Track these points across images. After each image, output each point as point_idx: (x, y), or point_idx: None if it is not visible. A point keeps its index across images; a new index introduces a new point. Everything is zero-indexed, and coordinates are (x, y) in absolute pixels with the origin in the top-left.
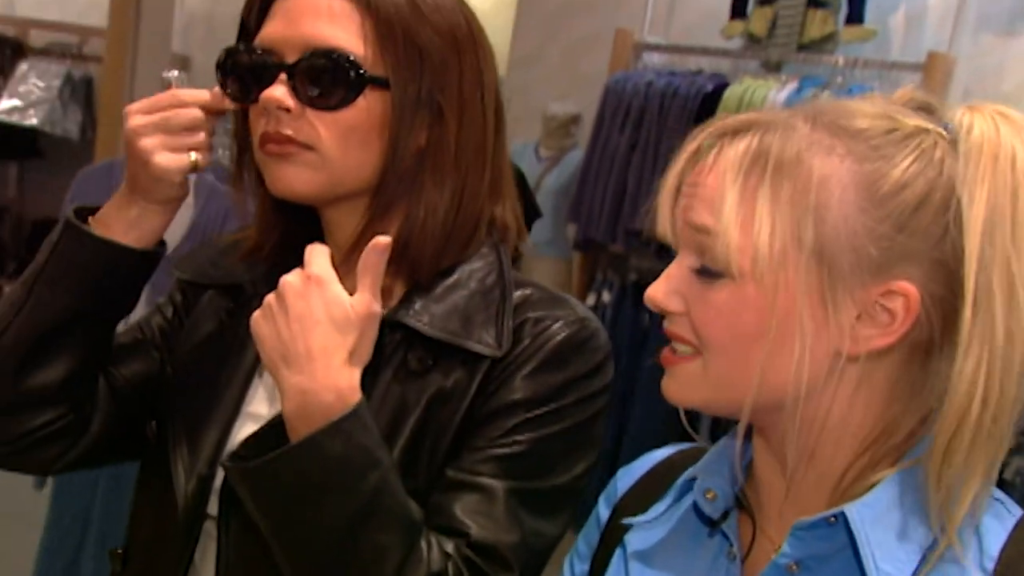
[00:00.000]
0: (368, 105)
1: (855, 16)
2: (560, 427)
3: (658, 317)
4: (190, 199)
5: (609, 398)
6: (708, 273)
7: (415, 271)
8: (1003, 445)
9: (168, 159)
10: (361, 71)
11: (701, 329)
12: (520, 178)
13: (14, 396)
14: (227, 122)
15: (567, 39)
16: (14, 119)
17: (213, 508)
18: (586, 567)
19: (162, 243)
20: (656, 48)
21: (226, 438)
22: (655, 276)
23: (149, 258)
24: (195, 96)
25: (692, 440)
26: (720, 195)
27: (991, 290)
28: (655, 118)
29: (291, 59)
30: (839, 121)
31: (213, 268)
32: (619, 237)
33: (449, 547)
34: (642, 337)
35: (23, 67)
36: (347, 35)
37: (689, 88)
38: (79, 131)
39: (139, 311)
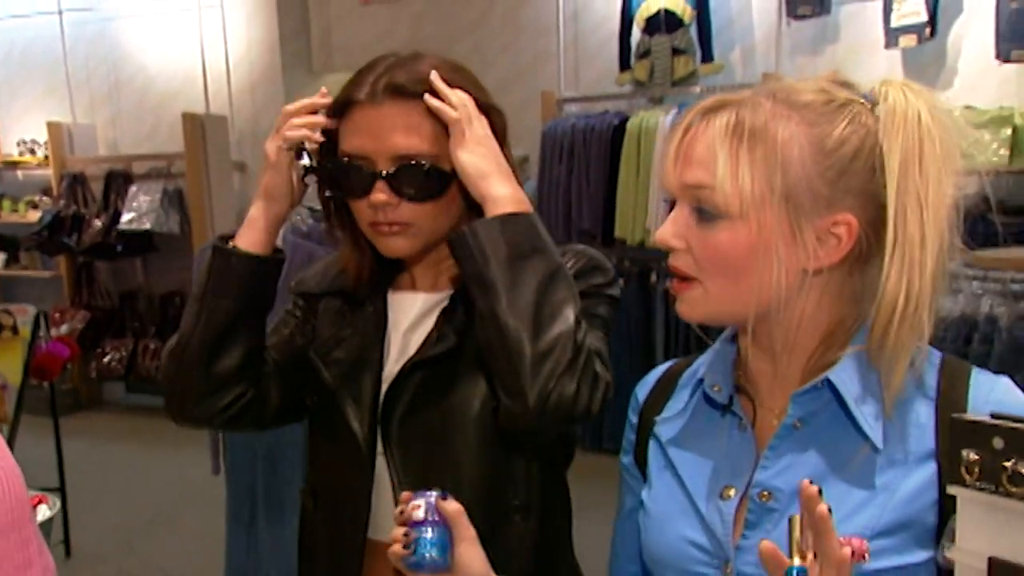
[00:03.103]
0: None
1: (707, 56)
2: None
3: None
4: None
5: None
6: (707, 217)
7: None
8: (925, 329)
9: (272, 145)
10: (445, 173)
11: (703, 261)
12: None
13: (207, 383)
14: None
15: (507, 104)
16: (133, 226)
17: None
18: (631, 457)
19: (280, 251)
20: (572, 100)
21: (379, 394)
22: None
23: (278, 262)
24: (299, 105)
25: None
26: (712, 157)
27: (906, 211)
28: (582, 149)
29: (383, 166)
30: (791, 97)
31: (321, 281)
32: (574, 237)
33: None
34: None
35: (133, 189)
36: (423, 141)
37: (602, 124)
38: (179, 228)
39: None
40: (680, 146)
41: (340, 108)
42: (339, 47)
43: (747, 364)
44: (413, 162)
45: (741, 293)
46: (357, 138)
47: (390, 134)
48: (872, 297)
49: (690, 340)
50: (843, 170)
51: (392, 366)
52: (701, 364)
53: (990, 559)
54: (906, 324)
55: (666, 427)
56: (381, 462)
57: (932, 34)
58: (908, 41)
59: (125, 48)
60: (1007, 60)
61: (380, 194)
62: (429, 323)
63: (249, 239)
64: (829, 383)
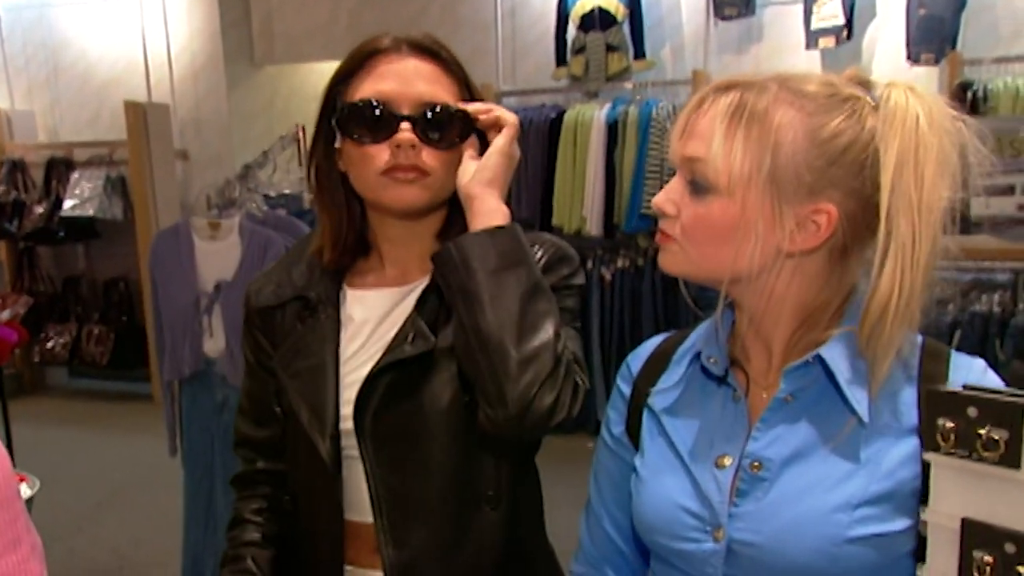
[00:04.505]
0: None
1: (639, 53)
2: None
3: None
4: (236, 239)
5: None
6: (699, 189)
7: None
8: (914, 321)
9: None
10: (469, 121)
11: (688, 229)
12: None
13: None
14: (255, 183)
15: None
16: (76, 213)
17: (346, 442)
18: (622, 427)
19: None
20: (510, 93)
21: (338, 402)
22: None
23: None
24: None
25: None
26: (711, 133)
27: (899, 211)
28: (520, 141)
29: (407, 111)
30: (797, 85)
31: (281, 288)
32: None
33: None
34: None
35: (75, 176)
36: (444, 92)
37: (540, 117)
38: (122, 214)
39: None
40: (688, 120)
41: (358, 62)
42: (280, 37)
43: (740, 336)
44: (439, 107)
45: (716, 260)
46: (381, 83)
47: (415, 81)
48: (854, 286)
49: (624, 324)
50: (832, 161)
51: (360, 367)
52: (696, 338)
53: (963, 519)
54: (897, 319)
55: (660, 398)
56: (353, 451)
57: (849, 36)
58: (827, 42)
59: (64, 35)
60: (916, 62)
61: (406, 133)
62: (398, 315)
63: None
64: (820, 359)
